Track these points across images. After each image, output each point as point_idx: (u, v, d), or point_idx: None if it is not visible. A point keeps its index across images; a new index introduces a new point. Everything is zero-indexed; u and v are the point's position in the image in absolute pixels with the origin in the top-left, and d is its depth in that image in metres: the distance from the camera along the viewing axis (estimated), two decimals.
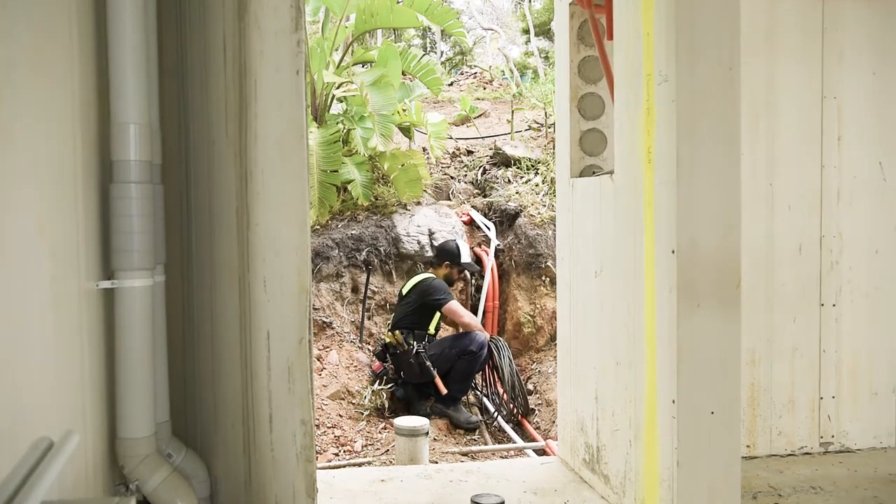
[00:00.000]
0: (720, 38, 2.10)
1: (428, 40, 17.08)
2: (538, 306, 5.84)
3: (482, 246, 6.23)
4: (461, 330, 5.24)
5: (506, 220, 6.39)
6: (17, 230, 1.54)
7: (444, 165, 7.31)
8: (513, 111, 8.15)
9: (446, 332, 5.58)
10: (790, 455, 3.12)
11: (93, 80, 1.99)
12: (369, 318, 5.70)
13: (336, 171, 5.74)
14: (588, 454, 2.78)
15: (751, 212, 2.95)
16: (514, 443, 4.72)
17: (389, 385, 5.07)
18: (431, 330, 5.17)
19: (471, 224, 6.42)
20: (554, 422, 4.68)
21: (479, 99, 9.77)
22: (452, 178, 7.11)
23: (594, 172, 2.90)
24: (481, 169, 7.13)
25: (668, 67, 2.10)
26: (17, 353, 1.52)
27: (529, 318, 5.86)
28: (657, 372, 2.21)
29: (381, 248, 5.83)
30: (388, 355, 5.10)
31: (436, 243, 5.88)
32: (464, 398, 5.17)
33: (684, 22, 2.08)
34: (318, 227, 5.80)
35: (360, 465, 4.19)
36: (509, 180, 6.80)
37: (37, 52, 1.67)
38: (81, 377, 1.88)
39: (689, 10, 2.08)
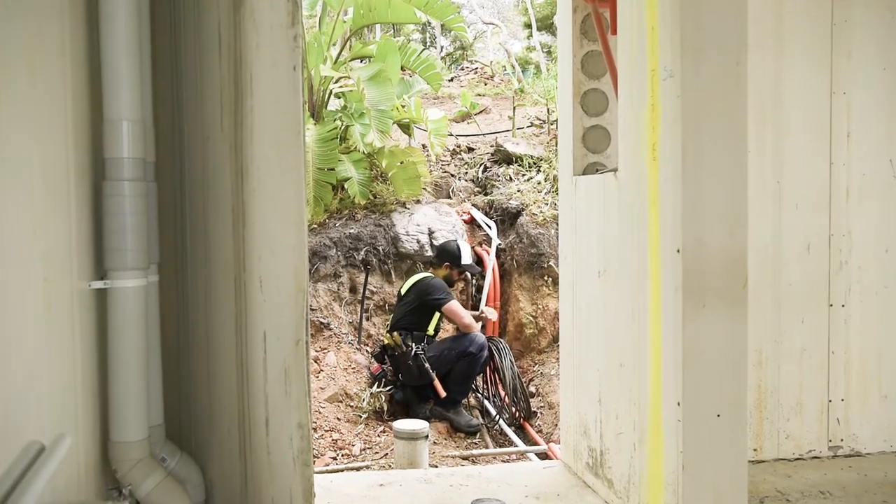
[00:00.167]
0: (727, 33, 2.07)
1: (428, 35, 17.05)
2: (540, 307, 5.80)
3: (483, 245, 6.19)
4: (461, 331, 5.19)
5: (507, 218, 6.34)
6: (8, 229, 1.53)
7: (444, 163, 7.27)
8: (514, 107, 8.10)
9: (446, 332, 5.54)
10: (798, 459, 3.07)
11: (85, 76, 1.97)
12: (368, 319, 5.66)
13: (332, 169, 5.70)
14: (591, 458, 2.75)
15: (758, 210, 2.92)
16: (516, 446, 4.68)
17: (388, 387, 5.02)
18: (431, 331, 5.12)
19: (471, 223, 6.38)
20: (556, 425, 4.64)
21: (479, 95, 9.72)
22: (453, 175, 7.07)
23: (597, 170, 2.87)
24: (482, 166, 7.08)
25: (673, 62, 2.07)
26: (8, 355, 1.51)
27: (531, 318, 5.82)
28: (662, 374, 2.18)
29: (380, 248, 5.78)
30: (386, 357, 5.06)
31: (436, 243, 5.84)
32: (464, 401, 5.13)
33: (690, 16, 2.05)
34: (316, 225, 5.76)
35: (358, 469, 4.15)
36: (511, 178, 6.76)
37: (27, 45, 1.64)
38: (73, 379, 1.87)
39: (695, 4, 2.05)
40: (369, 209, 6.04)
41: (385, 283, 5.81)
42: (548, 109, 7.78)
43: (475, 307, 5.88)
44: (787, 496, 2.71)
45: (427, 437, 3.78)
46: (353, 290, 5.71)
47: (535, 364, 5.69)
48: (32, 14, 1.67)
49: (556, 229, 4.50)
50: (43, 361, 1.69)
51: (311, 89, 6.02)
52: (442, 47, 16.20)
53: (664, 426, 2.17)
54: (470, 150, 7.50)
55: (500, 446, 4.79)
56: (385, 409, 4.95)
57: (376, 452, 4.48)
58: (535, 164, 6.84)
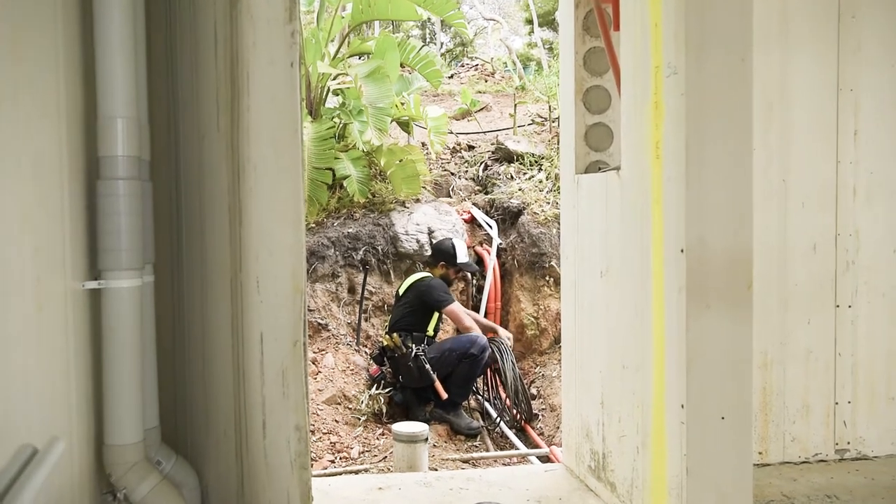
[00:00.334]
0: (731, 29, 2.04)
1: (427, 31, 17.02)
2: (542, 307, 5.76)
3: (484, 245, 6.15)
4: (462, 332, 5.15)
5: (508, 217, 6.30)
6: (0, 229, 1.49)
7: (443, 161, 7.22)
8: (515, 105, 8.05)
9: (446, 333, 5.50)
10: (804, 462, 3.04)
11: (78, 72, 1.96)
12: (366, 320, 5.62)
13: (329, 168, 5.65)
14: (594, 461, 2.72)
15: (763, 209, 2.88)
16: (517, 449, 4.64)
17: (387, 389, 4.98)
18: (430, 331, 5.08)
19: (472, 222, 6.34)
20: (558, 427, 4.60)
21: (480, 92, 9.67)
22: (453, 174, 7.03)
23: (600, 168, 2.84)
24: (483, 165, 7.04)
25: (677, 59, 2.05)
26: (0, 357, 1.47)
27: (533, 319, 5.78)
28: (665, 375, 2.16)
29: (379, 248, 5.75)
30: (385, 358, 5.02)
31: (435, 242, 5.80)
32: (465, 403, 5.09)
33: (694, 11, 2.02)
34: (314, 225, 5.72)
35: (356, 472, 4.11)
36: (512, 176, 6.72)
37: (19, 40, 1.61)
38: (67, 381, 1.86)
39: (699, 0, 2.02)
40: (368, 208, 6.00)
41: (384, 284, 5.77)
42: (549, 107, 7.74)
43: (476, 307, 5.84)
44: (793, 500, 2.68)
45: (427, 439, 3.75)
46: (351, 290, 5.68)
47: (537, 365, 5.65)
48: (24, 5, 1.64)
49: (558, 228, 4.47)
50: (35, 363, 1.68)
51: (309, 86, 5.98)
52: (442, 44, 16.17)
53: (667, 429, 2.15)
54: (470, 148, 7.46)
55: (501, 449, 4.75)
56: (384, 411, 4.91)
57: (375, 455, 4.44)
58: (536, 162, 6.80)
